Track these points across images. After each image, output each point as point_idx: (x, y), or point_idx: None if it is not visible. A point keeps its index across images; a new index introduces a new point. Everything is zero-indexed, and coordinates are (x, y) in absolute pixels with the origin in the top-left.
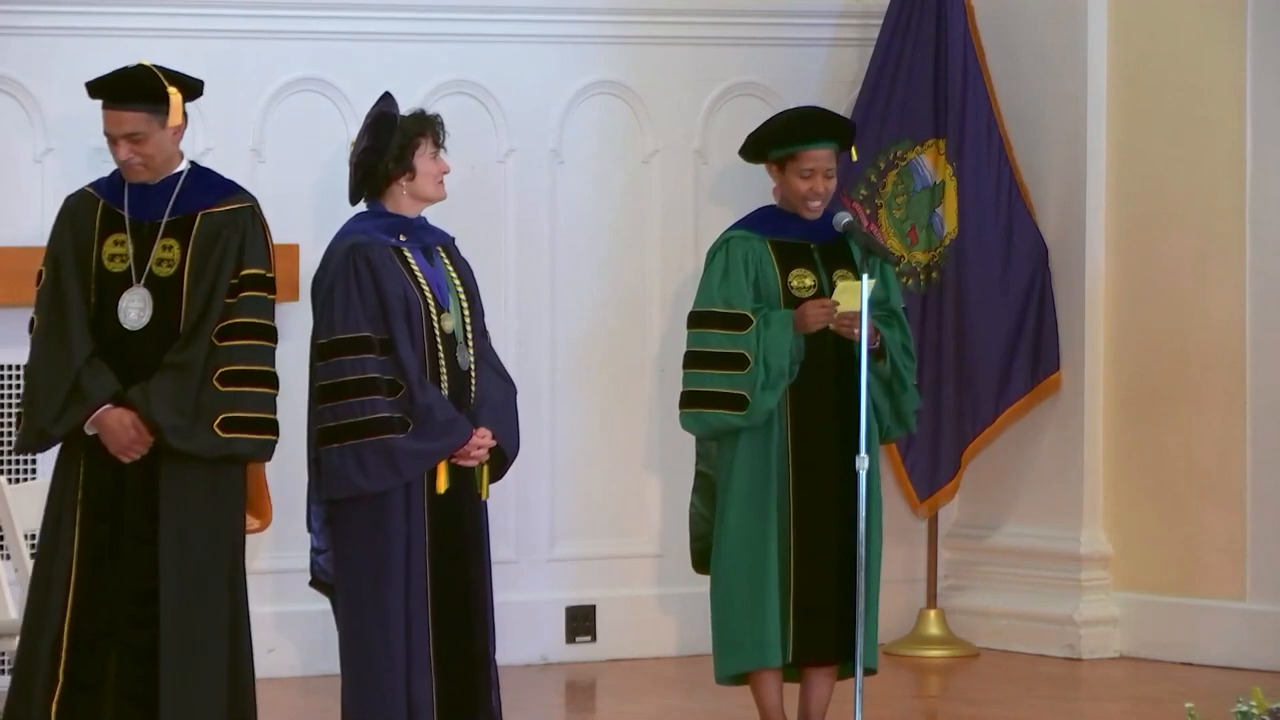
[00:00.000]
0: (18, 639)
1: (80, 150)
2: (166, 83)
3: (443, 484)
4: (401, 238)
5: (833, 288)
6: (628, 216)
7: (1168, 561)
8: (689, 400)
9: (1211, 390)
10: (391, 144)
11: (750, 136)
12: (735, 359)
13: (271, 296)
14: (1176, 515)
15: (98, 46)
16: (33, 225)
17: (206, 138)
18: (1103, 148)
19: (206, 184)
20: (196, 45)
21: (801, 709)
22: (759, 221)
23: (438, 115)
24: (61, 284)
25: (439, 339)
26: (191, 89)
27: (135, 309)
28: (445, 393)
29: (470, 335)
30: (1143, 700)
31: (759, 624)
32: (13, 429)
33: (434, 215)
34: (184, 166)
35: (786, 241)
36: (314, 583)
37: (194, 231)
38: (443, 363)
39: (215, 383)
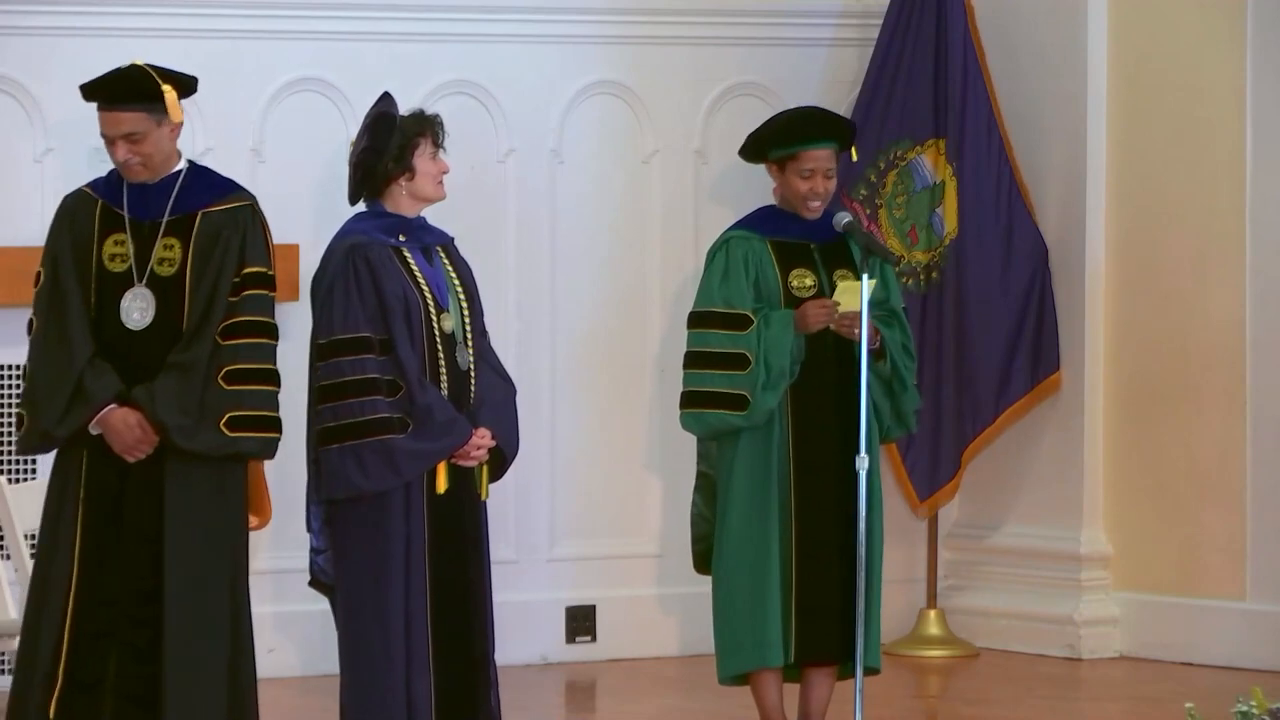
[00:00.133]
0: (18, 639)
1: (80, 150)
2: (161, 81)
3: (442, 484)
4: (401, 238)
5: (833, 288)
6: (628, 216)
7: (1168, 561)
8: (689, 400)
9: (1211, 390)
10: (391, 144)
11: (750, 136)
12: (736, 359)
13: (272, 294)
14: (1176, 515)
15: (98, 46)
16: (33, 225)
17: (206, 138)
18: (1103, 148)
19: (206, 183)
20: (196, 45)
21: (801, 709)
22: (759, 221)
23: (437, 115)
24: (61, 284)
25: (438, 339)
26: (186, 86)
27: (138, 309)
28: (445, 393)
29: (470, 335)
30: (1143, 700)
31: (760, 624)
32: (12, 429)
33: (434, 215)
34: (182, 165)
35: (786, 241)
36: (313, 583)
37: (195, 230)
38: (442, 363)
39: (220, 381)
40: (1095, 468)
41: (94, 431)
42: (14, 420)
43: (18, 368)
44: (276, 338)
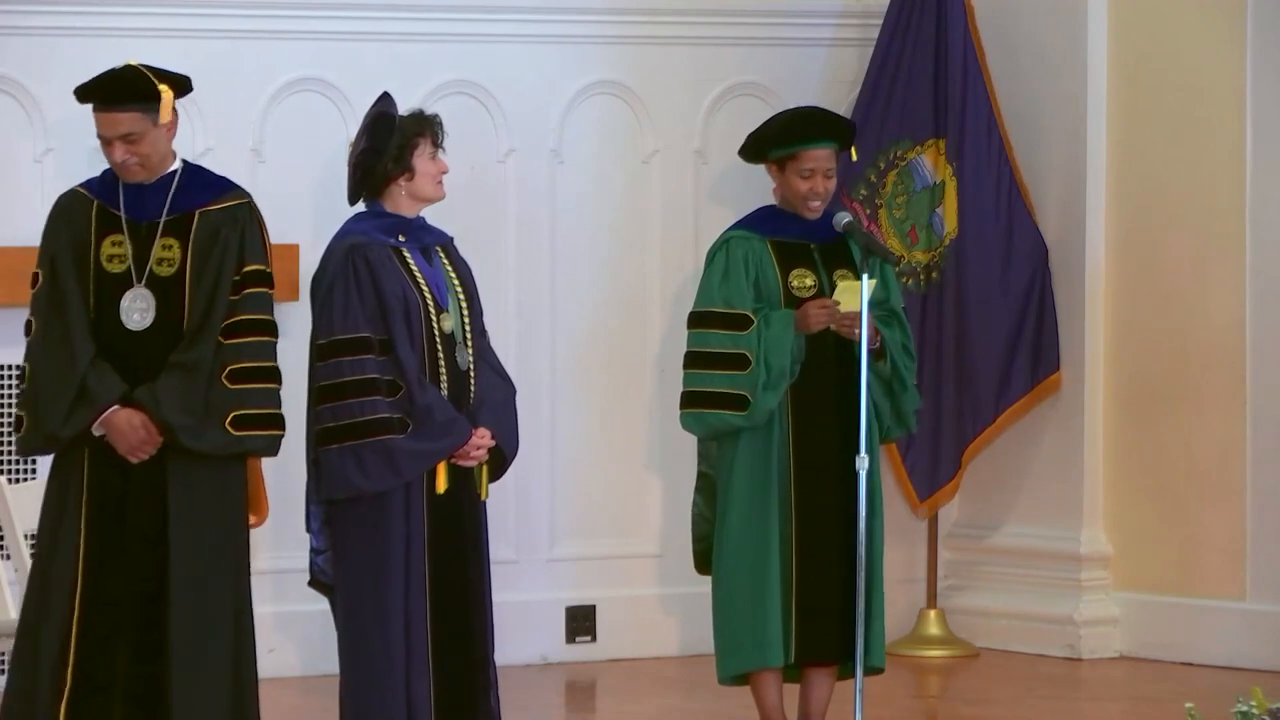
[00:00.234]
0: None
1: (80, 150)
2: (157, 81)
3: (442, 484)
4: (400, 238)
5: (833, 288)
6: (628, 216)
7: (1168, 561)
8: (690, 400)
9: (1211, 390)
10: (390, 144)
11: (750, 136)
12: (736, 359)
13: (271, 291)
14: (1176, 515)
15: (98, 46)
16: (33, 225)
17: (206, 138)
18: (1103, 148)
19: (202, 182)
20: (196, 45)
21: (802, 709)
22: (759, 221)
23: (436, 115)
24: (60, 285)
25: (438, 339)
26: (181, 85)
27: (138, 310)
28: (444, 393)
29: (469, 335)
30: (1143, 700)
31: (760, 624)
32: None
33: (434, 215)
34: (176, 165)
35: (786, 241)
36: (313, 583)
37: (193, 230)
38: (442, 363)
39: (224, 380)
40: (1095, 468)
41: (97, 433)
42: (14, 422)
43: (18, 368)
44: (277, 335)
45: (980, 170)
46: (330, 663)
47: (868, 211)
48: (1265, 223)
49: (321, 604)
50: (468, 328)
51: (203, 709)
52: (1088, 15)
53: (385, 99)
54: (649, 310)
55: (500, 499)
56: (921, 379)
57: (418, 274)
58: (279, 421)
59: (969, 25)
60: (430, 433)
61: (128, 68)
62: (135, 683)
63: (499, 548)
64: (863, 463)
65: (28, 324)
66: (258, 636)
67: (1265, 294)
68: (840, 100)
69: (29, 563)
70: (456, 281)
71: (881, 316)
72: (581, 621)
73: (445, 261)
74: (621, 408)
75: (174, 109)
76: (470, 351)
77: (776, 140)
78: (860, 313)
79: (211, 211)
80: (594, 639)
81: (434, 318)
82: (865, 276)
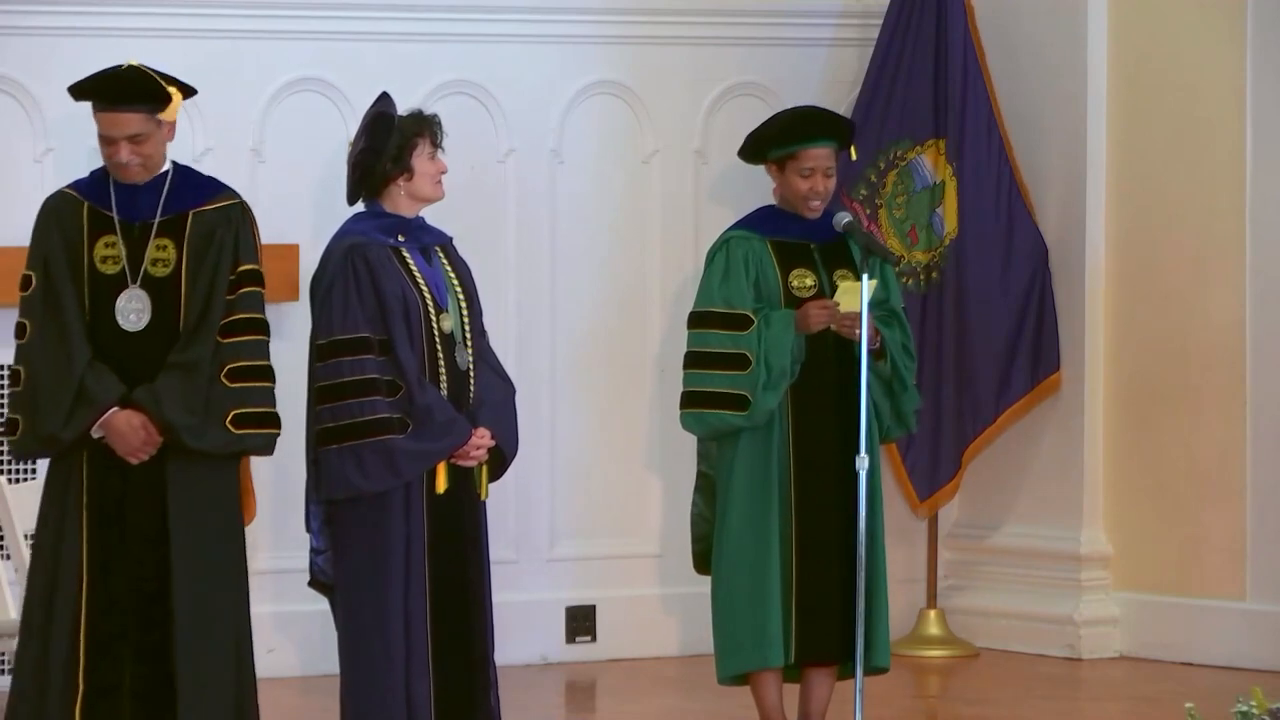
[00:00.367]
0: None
1: (80, 150)
2: (165, 83)
3: (442, 484)
4: (400, 238)
5: (833, 288)
6: (628, 216)
7: (1168, 561)
8: (690, 400)
9: (1211, 390)
10: (389, 144)
11: (749, 136)
12: (736, 359)
13: (263, 290)
14: (1176, 515)
15: (98, 46)
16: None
17: (206, 138)
18: (1103, 148)
19: (194, 183)
20: (196, 45)
21: (802, 709)
22: (759, 221)
23: (435, 115)
24: (54, 287)
25: (438, 339)
26: (185, 88)
27: (134, 310)
28: (444, 393)
29: (469, 335)
30: (1143, 700)
31: (761, 624)
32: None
33: (434, 215)
34: (167, 166)
35: (786, 241)
36: (313, 583)
37: (187, 230)
38: (441, 363)
39: (224, 379)
40: (1095, 468)
41: (96, 435)
42: (7, 425)
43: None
44: (269, 333)
45: (980, 170)
46: (330, 663)
47: (868, 211)
48: (1265, 223)
49: (321, 604)
50: (467, 328)
51: (208, 707)
52: (1088, 15)
53: (384, 99)
54: (649, 310)
55: (500, 499)
56: (921, 379)
57: (417, 274)
58: (276, 420)
59: (969, 25)
60: (430, 433)
61: (131, 68)
62: (139, 682)
63: (499, 548)
64: (863, 463)
65: (20, 326)
66: (258, 636)
67: (1265, 294)
68: (840, 100)
69: (29, 563)
70: (456, 281)
71: (881, 316)
72: (581, 621)
73: (445, 261)
74: (621, 408)
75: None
76: (470, 351)
77: (776, 140)
78: (860, 313)
79: (205, 212)
80: (594, 639)
81: (433, 318)
82: (865, 276)
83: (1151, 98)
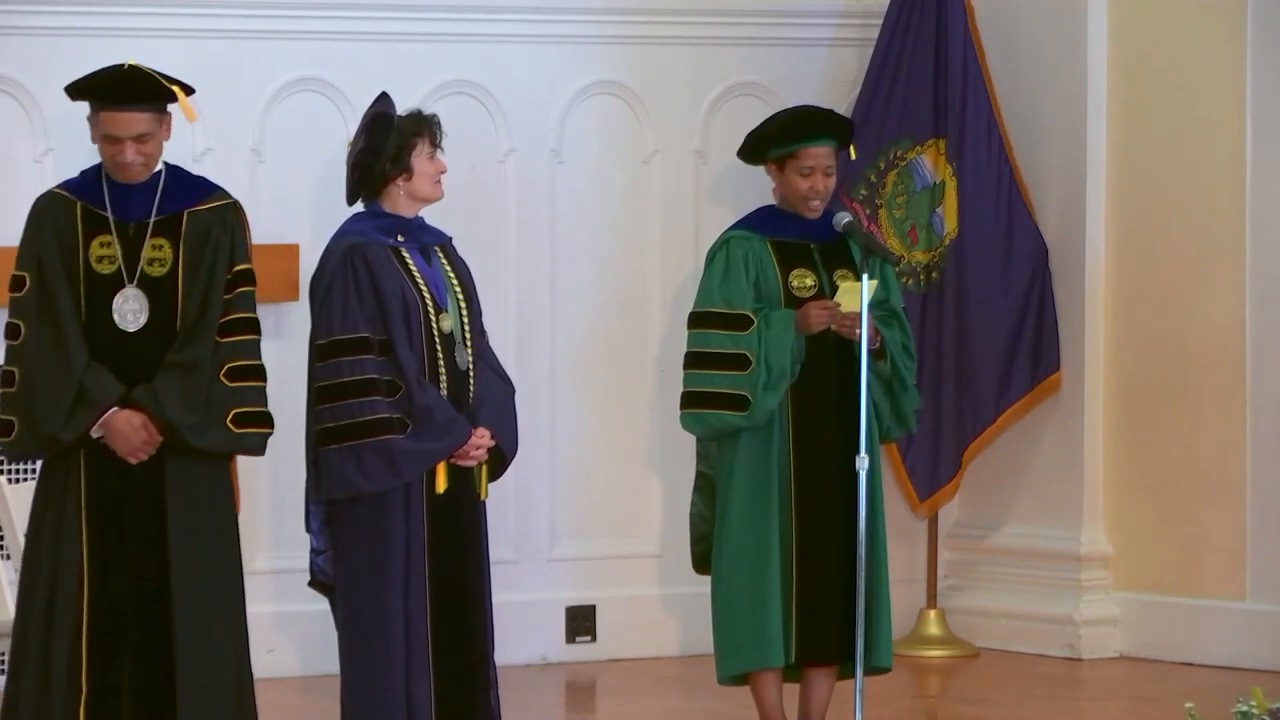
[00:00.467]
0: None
1: (80, 150)
2: (167, 82)
3: (442, 484)
4: (399, 238)
5: (833, 287)
6: (628, 216)
7: (1168, 561)
8: (690, 401)
9: (1211, 390)
10: (388, 144)
11: (749, 136)
12: (737, 359)
13: (254, 289)
14: (1176, 515)
15: (98, 46)
16: None
17: (206, 138)
18: (1103, 148)
19: (186, 183)
20: (196, 45)
21: (801, 709)
22: (759, 221)
23: (434, 115)
24: (50, 287)
25: (437, 339)
26: (184, 87)
27: (132, 310)
28: (444, 393)
29: (468, 335)
30: (1143, 700)
31: (761, 624)
32: None
33: (434, 215)
34: (159, 166)
35: (786, 241)
36: (313, 583)
37: (183, 230)
38: (441, 363)
39: (223, 379)
40: (1095, 468)
41: (95, 435)
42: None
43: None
44: (261, 332)
45: (980, 170)
46: (330, 663)
47: (868, 211)
48: (1265, 223)
49: (321, 604)
50: (467, 328)
51: (208, 706)
52: (1088, 15)
53: (383, 99)
54: (649, 310)
55: (500, 499)
56: (921, 379)
57: (416, 274)
58: (269, 419)
59: (969, 25)
60: (430, 433)
61: (133, 68)
62: (139, 682)
63: (499, 548)
64: (863, 463)
65: (13, 327)
66: (258, 636)
67: (1265, 294)
68: (840, 100)
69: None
70: (455, 281)
71: (881, 316)
72: (581, 621)
73: (444, 261)
74: (621, 408)
75: (191, 109)
76: (469, 351)
77: (775, 139)
78: (860, 313)
79: (200, 212)
80: (594, 639)
81: (433, 318)
82: (865, 276)
83: (1151, 98)
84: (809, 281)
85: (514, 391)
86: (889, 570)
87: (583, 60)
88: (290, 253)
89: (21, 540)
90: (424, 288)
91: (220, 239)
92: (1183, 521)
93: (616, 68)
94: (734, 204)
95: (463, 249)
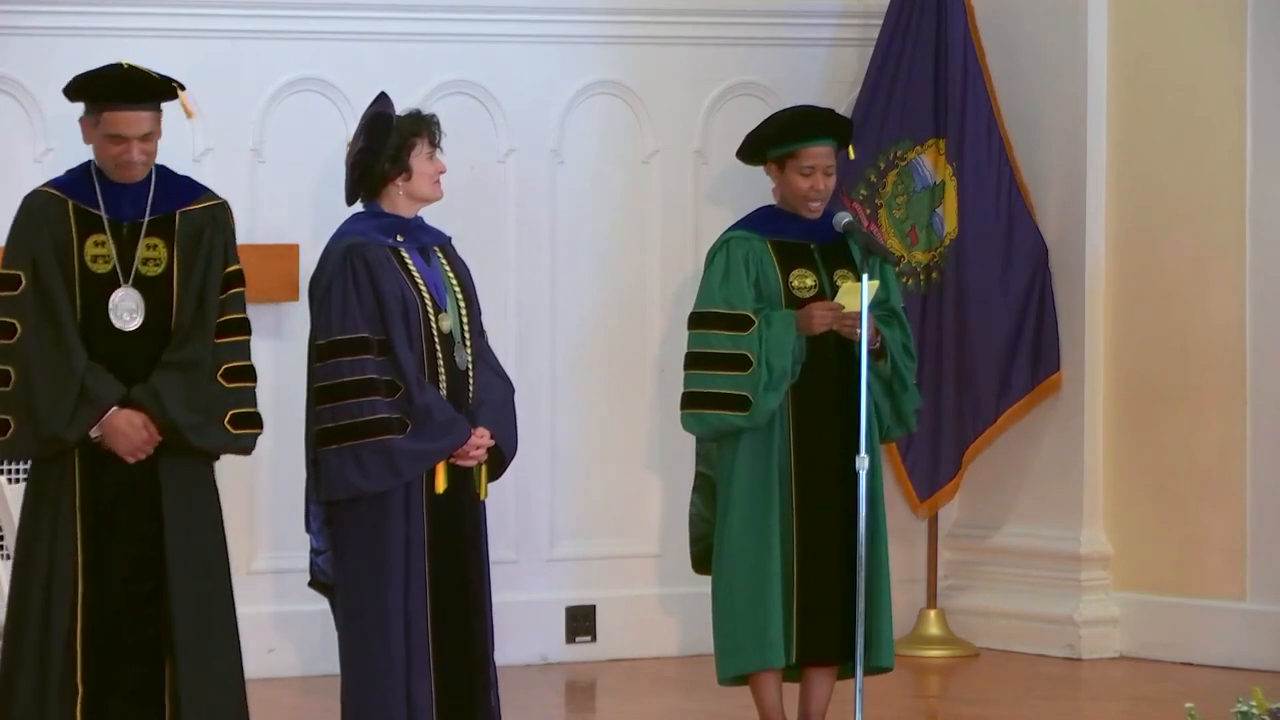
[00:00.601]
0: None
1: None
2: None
3: (441, 484)
4: (398, 238)
5: (833, 288)
6: (628, 216)
7: (1168, 561)
8: (690, 401)
9: (1211, 390)
10: (387, 144)
11: (748, 136)
12: (737, 360)
13: (245, 289)
14: (1176, 515)
15: (97, 46)
16: None
17: (206, 138)
18: (1103, 148)
19: (178, 183)
20: (196, 45)
21: (802, 709)
22: (759, 221)
23: (433, 115)
24: (45, 286)
25: (436, 339)
26: (179, 84)
27: (128, 310)
28: (443, 393)
29: (468, 335)
30: (1143, 700)
31: (761, 624)
32: None
33: (434, 215)
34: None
35: (787, 241)
36: (313, 583)
37: (176, 230)
38: (440, 363)
39: (221, 379)
40: (1095, 468)
41: (94, 435)
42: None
43: None
44: (251, 332)
45: (980, 170)
46: (330, 663)
47: (868, 211)
48: (1265, 223)
49: (321, 604)
50: (466, 328)
51: (211, 705)
52: (1088, 15)
53: (382, 99)
54: (649, 310)
55: (500, 499)
56: (921, 379)
57: (416, 274)
58: (260, 420)
59: (969, 25)
60: (429, 433)
61: (131, 68)
62: (133, 680)
63: (499, 548)
64: (863, 463)
65: (7, 326)
66: (258, 636)
67: (1265, 294)
68: (840, 100)
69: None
70: (455, 281)
71: (882, 316)
72: (581, 621)
73: (443, 261)
74: (621, 408)
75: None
76: (469, 351)
77: (775, 139)
78: (860, 313)
79: (192, 212)
80: (594, 639)
81: (432, 318)
82: (865, 276)
83: (1151, 98)
84: (809, 281)
85: (513, 391)
86: (889, 570)
87: (583, 60)
88: (290, 253)
89: None
90: (423, 288)
91: (214, 239)
92: (1183, 521)
93: (616, 68)
94: (734, 204)
95: (463, 249)
